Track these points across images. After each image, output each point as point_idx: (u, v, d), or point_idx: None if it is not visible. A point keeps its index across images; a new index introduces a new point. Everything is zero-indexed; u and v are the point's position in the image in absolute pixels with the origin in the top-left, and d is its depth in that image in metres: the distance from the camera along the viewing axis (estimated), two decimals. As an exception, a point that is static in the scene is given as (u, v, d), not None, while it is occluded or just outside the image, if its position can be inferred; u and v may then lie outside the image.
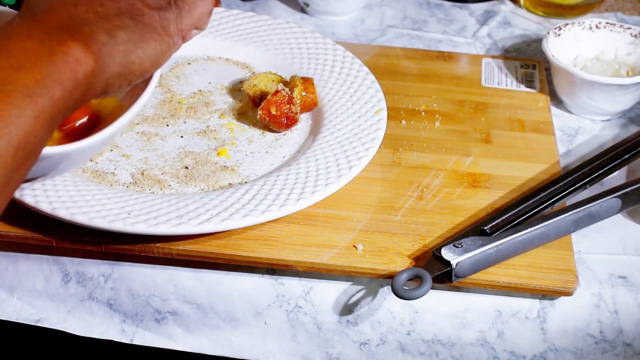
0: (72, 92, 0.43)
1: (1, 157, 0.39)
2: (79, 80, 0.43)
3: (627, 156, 0.76)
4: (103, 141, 0.53)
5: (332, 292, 0.68)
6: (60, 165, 0.53)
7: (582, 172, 0.74)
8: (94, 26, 0.45)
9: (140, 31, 0.47)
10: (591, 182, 0.74)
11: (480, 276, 0.65)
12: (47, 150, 0.47)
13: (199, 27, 0.53)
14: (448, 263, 0.63)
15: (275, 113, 0.76)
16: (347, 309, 0.68)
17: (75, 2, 0.46)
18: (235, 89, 0.85)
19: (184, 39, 0.52)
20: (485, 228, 0.67)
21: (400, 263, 0.66)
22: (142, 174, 0.72)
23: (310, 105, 0.80)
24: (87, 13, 0.46)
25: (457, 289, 0.68)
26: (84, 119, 0.60)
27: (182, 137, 0.78)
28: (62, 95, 0.42)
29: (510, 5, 1.08)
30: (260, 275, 0.69)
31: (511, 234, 0.65)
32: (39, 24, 0.44)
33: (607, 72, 0.86)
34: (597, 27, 0.90)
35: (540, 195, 0.71)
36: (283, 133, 0.79)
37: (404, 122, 0.83)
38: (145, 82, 0.54)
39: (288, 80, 0.81)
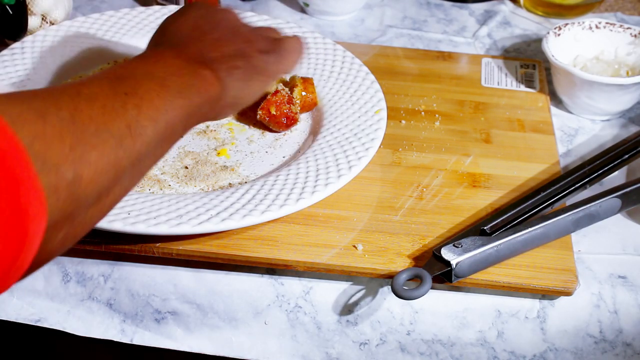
0: (202, 105, 0.52)
1: (156, 124, 0.47)
2: (210, 98, 0.53)
3: (627, 156, 0.76)
4: None
5: (332, 292, 0.68)
6: None
7: (582, 172, 0.74)
8: (218, 63, 0.55)
9: (249, 72, 0.57)
10: (591, 182, 0.74)
11: (480, 276, 0.65)
12: None
13: (288, 71, 0.62)
14: (448, 263, 0.63)
15: (275, 113, 0.76)
16: (347, 309, 0.68)
17: (204, 42, 0.57)
18: (235, 89, 0.85)
19: (275, 79, 0.62)
20: (485, 228, 0.67)
21: (400, 263, 0.66)
22: (142, 174, 0.72)
23: (310, 105, 0.80)
24: (213, 52, 0.56)
25: (457, 289, 0.68)
26: None
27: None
28: (198, 102, 0.52)
29: (510, 5, 1.08)
30: (260, 275, 0.69)
31: (511, 234, 0.65)
32: (180, 52, 0.55)
33: (607, 72, 0.86)
34: (597, 27, 0.90)
35: (540, 195, 0.71)
36: (283, 133, 0.79)
37: (403, 122, 0.83)
38: None
39: (288, 80, 0.81)
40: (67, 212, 0.41)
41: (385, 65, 0.92)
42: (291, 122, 0.77)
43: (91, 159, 0.42)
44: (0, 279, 0.38)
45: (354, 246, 0.67)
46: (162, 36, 0.59)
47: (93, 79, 0.48)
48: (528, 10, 1.07)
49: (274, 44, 0.61)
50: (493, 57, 0.95)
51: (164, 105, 0.48)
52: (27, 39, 0.86)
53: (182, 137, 0.52)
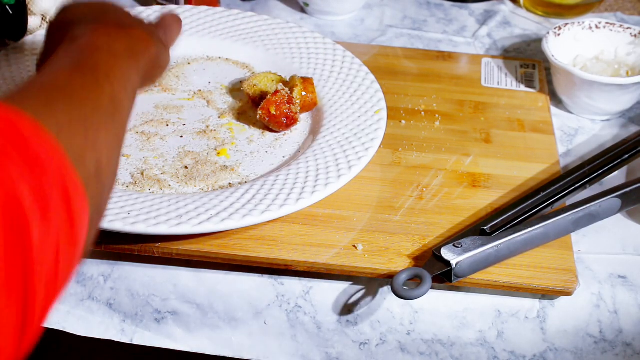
0: (149, 64, 0.57)
1: (124, 97, 0.49)
2: (152, 57, 0.58)
3: (626, 156, 0.76)
4: None
5: (332, 292, 0.68)
6: None
7: (582, 172, 0.74)
8: (136, 27, 0.60)
9: (151, 35, 0.62)
10: (591, 182, 0.74)
11: (480, 276, 0.65)
12: None
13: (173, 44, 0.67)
14: (448, 263, 0.63)
15: (275, 113, 0.76)
16: (347, 309, 0.68)
17: (115, 14, 0.61)
18: (235, 89, 0.85)
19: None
20: (485, 228, 0.67)
21: (400, 263, 0.66)
22: (142, 174, 0.72)
23: (310, 105, 0.80)
24: (127, 21, 0.61)
25: (457, 288, 0.68)
26: None
27: (181, 136, 0.78)
28: (145, 62, 0.56)
29: (510, 5, 1.08)
30: (260, 275, 0.69)
31: (511, 234, 0.65)
32: (105, 24, 0.56)
33: (606, 72, 0.86)
34: (597, 27, 0.90)
35: (540, 195, 0.71)
36: (283, 133, 0.79)
37: (403, 122, 0.83)
38: None
39: (288, 80, 0.81)
40: (97, 205, 0.42)
41: (385, 65, 0.92)
42: (291, 122, 0.77)
43: (102, 141, 0.43)
44: (60, 284, 0.38)
45: (354, 246, 0.67)
46: (69, 23, 0.58)
47: (57, 68, 0.48)
48: (528, 10, 1.07)
49: (154, 26, 0.66)
50: (493, 57, 0.95)
51: (123, 71, 0.51)
52: (27, 39, 0.86)
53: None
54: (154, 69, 0.60)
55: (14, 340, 0.34)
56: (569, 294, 0.65)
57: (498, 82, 0.90)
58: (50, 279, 0.36)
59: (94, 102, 0.45)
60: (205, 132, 0.78)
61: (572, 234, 0.70)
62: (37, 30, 0.91)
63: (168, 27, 0.67)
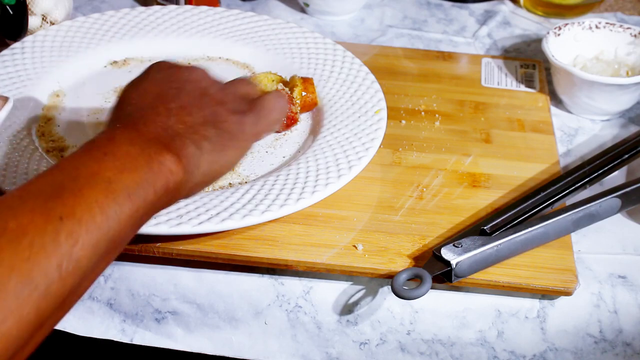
0: (161, 197, 0.46)
1: (97, 247, 0.41)
2: (169, 188, 0.46)
3: (626, 156, 0.76)
4: None
5: (332, 292, 0.68)
6: None
7: (581, 172, 0.74)
8: (183, 138, 0.48)
9: (222, 140, 0.50)
10: (591, 182, 0.74)
11: (480, 276, 0.65)
12: None
13: (271, 131, 0.56)
14: (448, 263, 0.63)
15: (275, 113, 0.76)
16: (347, 309, 0.68)
17: (168, 112, 0.49)
18: (235, 89, 0.85)
19: (257, 140, 0.54)
20: (485, 228, 0.67)
21: (400, 263, 0.66)
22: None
23: (310, 105, 0.80)
24: (178, 124, 0.49)
25: (457, 288, 0.68)
26: None
27: (182, 137, 0.78)
28: (153, 199, 0.45)
29: (510, 5, 1.08)
30: (260, 275, 0.69)
31: (511, 234, 0.65)
32: (139, 133, 0.47)
33: (606, 72, 0.86)
34: (596, 27, 0.90)
35: (540, 195, 0.71)
36: (283, 133, 0.79)
37: (404, 122, 0.83)
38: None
39: (288, 80, 0.81)
40: None
41: (385, 65, 0.92)
42: (291, 122, 0.77)
43: (7, 327, 0.37)
44: None
45: (354, 246, 0.67)
46: (122, 108, 0.51)
47: (28, 193, 0.41)
48: (528, 10, 1.07)
49: (250, 102, 0.54)
50: (493, 57, 0.95)
51: (107, 220, 0.42)
52: (28, 39, 0.86)
53: (132, 237, 0.45)
54: (181, 194, 0.48)
55: None
56: (568, 293, 0.65)
57: (498, 82, 0.91)
58: None
59: (23, 266, 0.38)
60: (205, 132, 0.78)
61: (572, 234, 0.70)
62: (37, 30, 0.91)
63: (265, 112, 0.54)
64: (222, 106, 0.52)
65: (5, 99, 0.68)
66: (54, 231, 0.39)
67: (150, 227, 0.63)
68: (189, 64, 0.84)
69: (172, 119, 0.49)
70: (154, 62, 0.54)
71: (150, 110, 0.49)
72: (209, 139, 0.49)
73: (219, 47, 0.89)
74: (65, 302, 0.41)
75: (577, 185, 0.72)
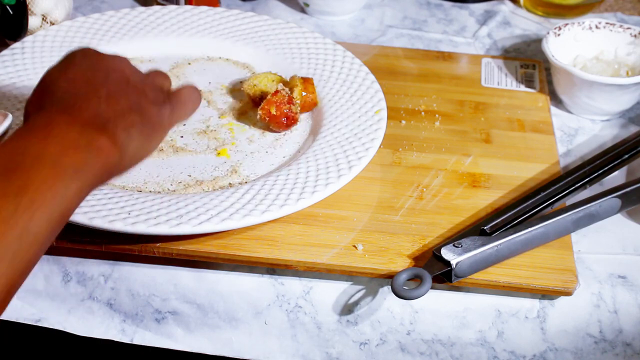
0: (101, 177, 0.49)
1: (49, 221, 0.45)
2: (106, 169, 0.50)
3: (626, 156, 0.76)
4: None
5: (332, 292, 0.68)
6: None
7: (581, 172, 0.74)
8: (115, 123, 0.51)
9: (146, 129, 0.53)
10: (591, 182, 0.74)
11: (480, 276, 0.65)
12: None
13: (183, 121, 0.60)
14: (448, 263, 0.63)
15: (275, 113, 0.76)
16: (347, 309, 0.68)
17: (98, 99, 0.51)
18: (235, 89, 0.85)
19: (170, 129, 0.59)
20: (485, 228, 0.67)
21: (400, 263, 0.66)
22: (142, 174, 0.72)
23: (310, 105, 0.80)
24: (108, 110, 0.51)
25: (457, 288, 0.68)
26: None
27: (182, 137, 0.78)
28: (94, 178, 0.49)
29: (510, 5, 1.08)
30: (260, 275, 0.69)
31: (511, 234, 0.65)
32: (74, 118, 0.49)
33: (606, 72, 0.86)
34: (596, 27, 0.90)
35: (540, 195, 0.71)
36: (283, 133, 0.79)
37: (404, 122, 0.83)
38: None
39: (288, 80, 0.81)
40: None
41: (385, 65, 0.92)
42: (291, 122, 0.77)
43: None
44: None
45: (354, 246, 0.67)
46: (50, 93, 0.52)
47: None
48: (528, 10, 1.07)
49: (167, 94, 0.58)
50: (493, 57, 0.95)
51: (56, 198, 0.45)
52: (28, 39, 0.86)
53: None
54: (115, 173, 0.52)
55: None
56: (568, 293, 0.65)
57: (498, 82, 0.91)
58: None
59: None
60: (205, 132, 0.78)
61: (572, 234, 0.70)
62: (37, 30, 0.91)
63: (180, 104, 0.58)
64: (144, 96, 0.55)
65: (5, 115, 0.68)
66: (12, 205, 0.43)
67: (150, 227, 0.63)
68: (189, 64, 0.84)
69: (102, 105, 0.51)
70: (76, 49, 0.56)
71: (82, 97, 0.51)
72: (135, 126, 0.52)
73: (219, 47, 0.89)
74: (26, 270, 0.44)
75: (577, 185, 0.72)
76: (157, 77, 0.59)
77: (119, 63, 0.56)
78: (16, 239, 0.43)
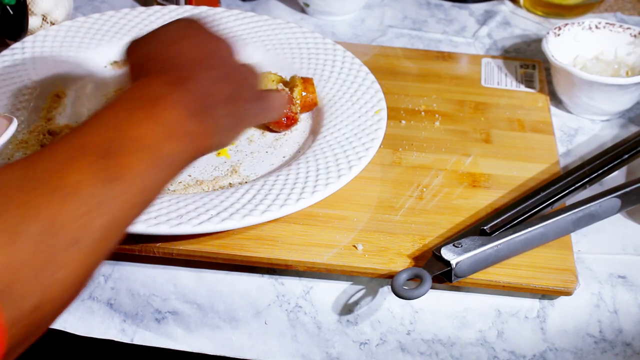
0: (184, 165, 0.48)
1: (134, 208, 0.43)
2: (193, 157, 0.49)
3: (626, 156, 0.76)
4: None
5: (332, 291, 0.68)
6: None
7: (581, 172, 0.74)
8: (212, 111, 0.50)
9: (235, 120, 0.53)
10: (591, 182, 0.74)
11: (480, 276, 0.65)
12: None
13: (264, 122, 0.62)
14: (448, 263, 0.63)
15: (275, 113, 0.76)
16: (347, 309, 0.68)
17: (205, 80, 0.50)
18: (235, 89, 0.85)
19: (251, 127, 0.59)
20: (485, 228, 0.67)
21: (400, 263, 0.66)
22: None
23: (310, 105, 0.80)
24: (211, 96, 0.50)
25: (457, 288, 0.68)
26: None
27: (182, 137, 0.78)
28: (184, 165, 0.48)
29: (510, 5, 1.08)
30: (260, 275, 0.69)
31: (511, 234, 0.65)
32: (181, 97, 0.48)
33: (606, 72, 0.86)
34: (596, 27, 0.90)
35: (539, 195, 0.71)
36: (283, 133, 0.79)
37: (403, 122, 0.83)
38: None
39: (288, 80, 0.81)
40: (28, 334, 0.38)
41: (385, 65, 0.92)
42: (291, 122, 0.77)
43: (58, 279, 0.38)
44: None
45: (354, 246, 0.67)
46: (160, 59, 0.51)
47: (76, 154, 0.42)
48: (528, 10, 1.07)
49: (259, 94, 0.57)
50: (493, 57, 0.95)
51: (146, 183, 0.44)
52: (28, 39, 0.86)
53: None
54: (195, 160, 0.50)
55: None
56: (568, 293, 0.65)
57: (498, 82, 0.91)
58: None
59: (76, 224, 0.39)
60: (205, 132, 0.78)
61: (572, 234, 0.70)
62: (37, 30, 0.91)
63: (267, 109, 0.57)
64: (240, 90, 0.54)
65: (10, 119, 0.68)
66: (103, 191, 0.41)
67: (150, 227, 0.63)
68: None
69: (208, 89, 0.50)
70: (189, 17, 0.55)
71: (192, 76, 0.50)
72: (227, 117, 0.51)
73: (219, 47, 0.89)
74: (104, 257, 0.42)
75: (577, 185, 0.72)
76: (252, 74, 0.57)
77: (226, 49, 0.55)
78: (105, 227, 0.41)
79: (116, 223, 0.42)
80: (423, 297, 0.62)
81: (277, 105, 0.58)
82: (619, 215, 0.73)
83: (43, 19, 0.92)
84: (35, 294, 0.37)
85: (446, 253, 0.63)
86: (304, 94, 0.79)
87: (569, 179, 0.73)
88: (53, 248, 0.38)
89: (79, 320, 0.71)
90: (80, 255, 0.40)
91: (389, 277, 0.65)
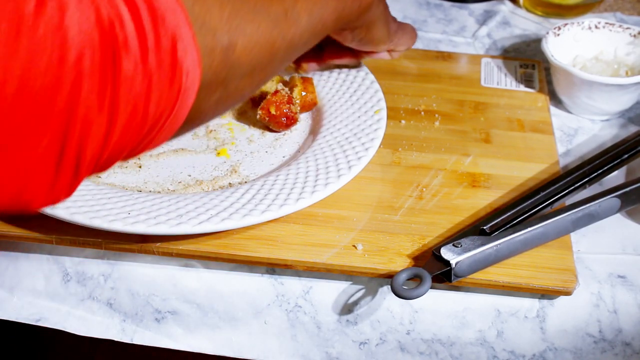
0: (354, 11, 0.62)
1: (302, 25, 0.53)
2: (361, 7, 0.62)
3: (626, 156, 0.76)
4: None
5: (331, 291, 0.68)
6: None
7: (581, 171, 0.74)
8: None
9: (382, 22, 0.69)
10: (590, 182, 0.74)
11: (480, 276, 0.65)
12: None
13: (397, 47, 0.76)
14: (447, 263, 0.63)
15: (274, 113, 0.76)
16: (347, 309, 0.68)
17: None
18: (235, 89, 0.85)
19: (388, 38, 0.73)
20: (484, 228, 0.67)
21: (399, 263, 0.66)
22: (142, 174, 0.72)
23: (310, 105, 0.80)
24: None
25: (457, 288, 0.68)
26: None
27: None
28: (350, 7, 0.60)
29: (510, 5, 1.08)
30: (260, 274, 0.69)
31: (510, 234, 0.65)
32: None
33: (606, 72, 0.86)
34: (596, 27, 0.90)
35: (539, 195, 0.71)
36: (283, 133, 0.79)
37: (403, 122, 0.83)
38: None
39: (288, 80, 0.81)
40: (221, 76, 0.44)
41: (385, 65, 0.92)
42: (291, 122, 0.77)
43: (246, 31, 0.46)
44: (160, 130, 0.40)
45: (354, 246, 0.67)
46: None
47: None
48: (527, 10, 1.07)
49: (399, 23, 0.74)
50: (493, 57, 0.95)
51: (320, 1, 0.54)
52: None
53: (327, 34, 0.58)
54: (361, 20, 0.63)
55: (99, 145, 0.37)
56: (568, 293, 0.65)
57: (498, 82, 0.91)
58: (135, 113, 0.37)
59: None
60: (205, 132, 0.78)
61: (572, 234, 0.70)
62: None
63: (401, 33, 0.74)
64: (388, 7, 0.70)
65: None
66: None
67: (150, 227, 0.63)
68: None
69: None
70: None
71: None
72: (383, 10, 0.67)
73: (218, 47, 0.89)
74: (287, 50, 0.51)
75: (576, 185, 0.72)
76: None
77: None
78: (282, 11, 0.49)
79: (316, 25, 0.53)
80: (423, 296, 0.62)
81: (409, 34, 0.76)
82: (618, 215, 0.73)
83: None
84: (224, 35, 0.44)
85: (446, 253, 0.63)
86: (303, 93, 0.79)
87: (569, 178, 0.73)
88: (264, 8, 0.48)
89: (79, 320, 0.71)
90: (270, 28, 0.49)
91: (389, 277, 0.65)
